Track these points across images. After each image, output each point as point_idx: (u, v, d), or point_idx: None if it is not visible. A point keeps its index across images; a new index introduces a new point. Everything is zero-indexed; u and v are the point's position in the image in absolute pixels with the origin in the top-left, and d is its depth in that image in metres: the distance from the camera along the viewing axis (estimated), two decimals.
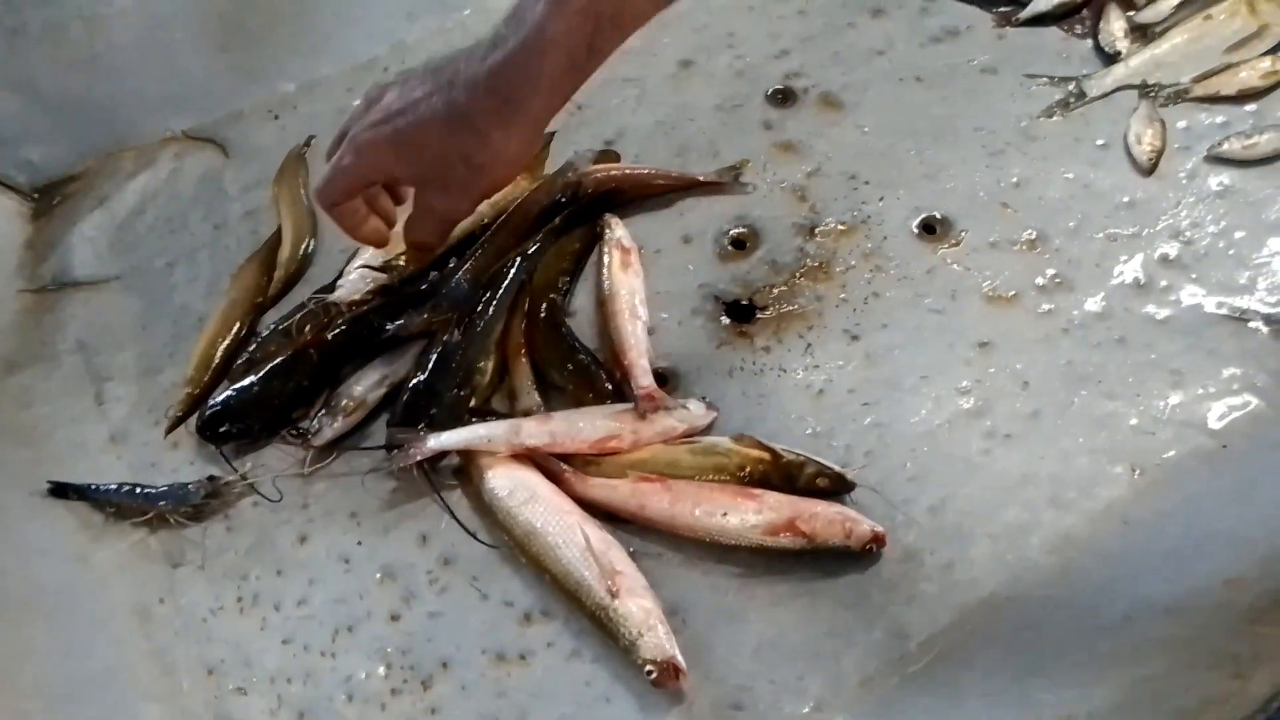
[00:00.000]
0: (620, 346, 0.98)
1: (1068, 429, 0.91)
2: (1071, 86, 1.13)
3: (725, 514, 0.87)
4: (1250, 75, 1.08)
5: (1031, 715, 0.73)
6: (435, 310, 1.03)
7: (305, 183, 1.20)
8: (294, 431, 0.99)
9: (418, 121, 0.85)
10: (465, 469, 0.95)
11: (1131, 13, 1.17)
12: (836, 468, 0.89)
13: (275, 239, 1.15)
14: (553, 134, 1.17)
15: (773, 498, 0.88)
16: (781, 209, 1.09)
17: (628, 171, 1.13)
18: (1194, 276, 0.98)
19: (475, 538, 0.91)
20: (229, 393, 0.99)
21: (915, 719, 0.79)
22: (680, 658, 0.80)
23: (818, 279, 1.04)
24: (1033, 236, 1.03)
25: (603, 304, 1.02)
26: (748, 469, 0.90)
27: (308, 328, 1.04)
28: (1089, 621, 0.79)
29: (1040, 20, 1.19)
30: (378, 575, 0.92)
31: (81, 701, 0.88)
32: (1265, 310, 0.95)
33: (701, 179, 1.12)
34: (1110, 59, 1.14)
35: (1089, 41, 1.17)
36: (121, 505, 0.97)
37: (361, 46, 1.31)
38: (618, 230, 1.07)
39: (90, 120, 1.27)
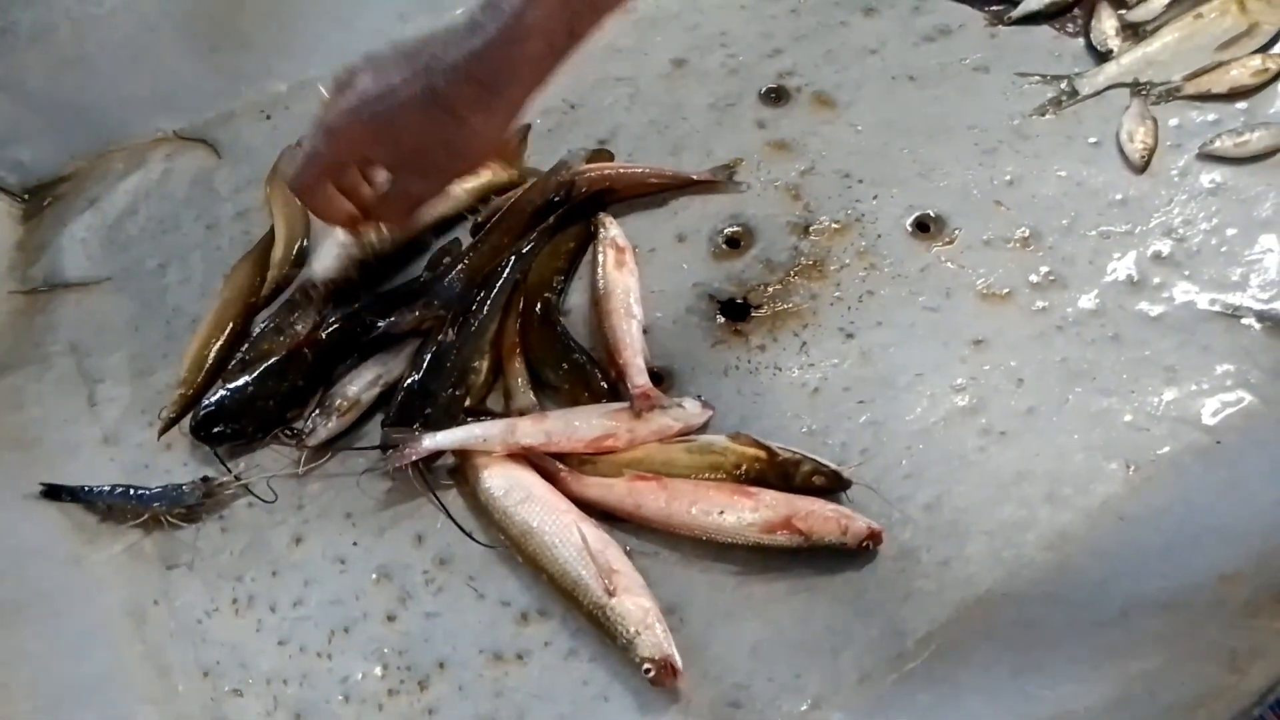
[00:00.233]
0: (615, 345, 0.98)
1: (1063, 426, 0.92)
2: (1064, 85, 1.14)
3: (722, 512, 0.87)
4: (1241, 73, 1.08)
5: (1029, 711, 0.74)
6: (428, 308, 1.02)
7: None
8: (288, 432, 0.99)
9: (396, 107, 0.85)
10: (461, 469, 0.95)
11: (1123, 11, 1.18)
12: (833, 465, 0.89)
13: (268, 239, 1.14)
14: (528, 126, 1.18)
15: (769, 496, 0.88)
16: (775, 207, 1.09)
17: (621, 170, 1.13)
18: (1187, 273, 0.99)
19: (471, 537, 0.91)
20: (223, 393, 0.99)
21: (913, 716, 0.79)
22: (678, 656, 0.80)
23: (812, 277, 1.04)
24: (1026, 234, 1.03)
25: (597, 303, 1.02)
26: (744, 467, 0.90)
27: (296, 315, 1.04)
28: (1085, 617, 0.79)
29: (1032, 19, 1.20)
30: (373, 576, 0.92)
31: (76, 704, 0.87)
32: (1258, 306, 0.95)
33: (695, 178, 1.12)
34: (1102, 57, 1.15)
35: (1081, 40, 1.18)
36: (115, 507, 0.97)
37: (353, 47, 1.25)
38: (612, 229, 1.07)
39: (80, 121, 1.26)
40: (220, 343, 1.05)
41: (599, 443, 0.93)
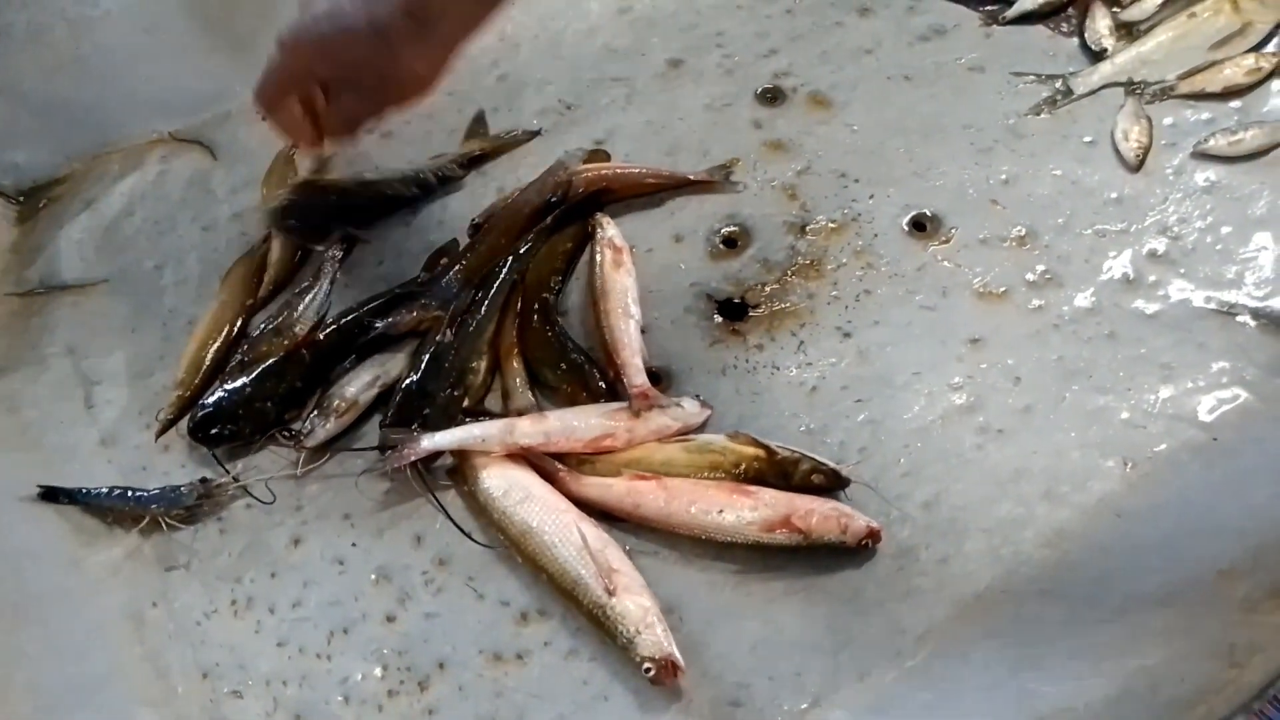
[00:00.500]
0: (613, 345, 0.98)
1: (1060, 424, 0.92)
2: (1058, 84, 1.14)
3: (721, 511, 0.87)
4: (1235, 72, 1.09)
5: (1029, 708, 0.74)
6: (425, 309, 1.02)
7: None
8: (286, 433, 0.99)
9: (339, 29, 0.91)
10: (460, 469, 0.95)
11: (1117, 10, 1.18)
12: (831, 464, 0.90)
13: (265, 240, 1.14)
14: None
15: (768, 494, 0.88)
16: (772, 207, 1.09)
17: (618, 170, 1.13)
18: (1182, 271, 0.99)
19: (470, 538, 0.91)
20: (220, 394, 0.99)
21: (913, 713, 0.79)
22: (678, 655, 0.80)
23: (809, 277, 1.04)
24: (1022, 233, 1.04)
25: (595, 303, 1.02)
26: (743, 466, 0.90)
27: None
28: (1084, 614, 0.80)
29: (1027, 18, 1.20)
30: (373, 576, 0.92)
31: (76, 706, 0.87)
32: (1253, 304, 0.96)
33: (692, 178, 1.12)
34: (1096, 56, 1.15)
35: (1075, 39, 1.18)
36: (113, 509, 0.97)
37: None
38: (609, 229, 1.07)
39: (76, 123, 1.26)
40: (218, 344, 1.05)
41: (598, 443, 0.93)
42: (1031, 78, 1.15)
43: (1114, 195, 1.05)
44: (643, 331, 1.00)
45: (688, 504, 0.88)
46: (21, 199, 1.26)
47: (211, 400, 0.99)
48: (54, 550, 0.96)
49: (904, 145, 1.12)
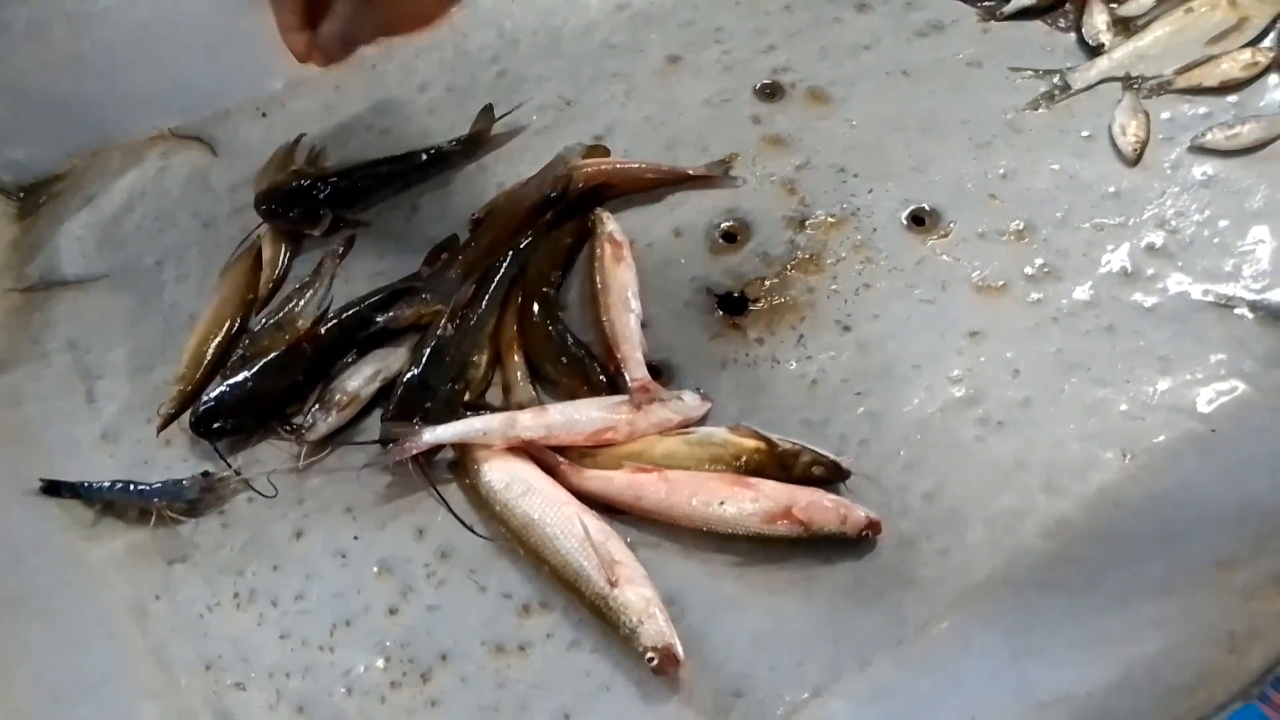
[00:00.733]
0: (614, 339, 0.98)
1: (1059, 415, 0.92)
2: (1056, 79, 1.14)
3: (722, 503, 0.87)
4: (1231, 67, 1.09)
5: (1030, 695, 0.74)
6: (426, 303, 1.03)
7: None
8: (288, 427, 0.99)
9: None
10: (461, 463, 0.95)
11: (1114, 6, 1.18)
12: (832, 456, 0.90)
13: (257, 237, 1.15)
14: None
15: (769, 486, 0.88)
16: (771, 202, 1.10)
17: (618, 166, 1.13)
18: (1180, 264, 1.00)
19: (472, 531, 0.92)
20: (222, 388, 0.99)
21: (914, 702, 0.79)
22: (680, 645, 0.81)
23: (809, 271, 1.05)
24: (1020, 227, 1.04)
25: (595, 298, 1.02)
26: (743, 459, 0.91)
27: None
28: (1084, 603, 0.80)
29: (1024, 14, 1.20)
30: (375, 569, 0.92)
31: (79, 699, 0.88)
32: (1250, 296, 0.96)
33: (691, 173, 1.12)
34: (1094, 52, 1.16)
35: (1072, 35, 1.19)
36: (115, 502, 0.97)
37: None
38: (609, 224, 1.07)
39: (76, 119, 1.26)
40: (219, 339, 1.06)
41: (599, 435, 0.94)
42: (1029, 73, 1.16)
43: (1112, 189, 1.06)
44: (643, 326, 1.00)
45: (689, 496, 0.88)
46: (22, 195, 1.26)
47: (213, 394, 0.99)
48: (56, 544, 0.97)
49: (902, 140, 1.13)
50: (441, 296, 1.03)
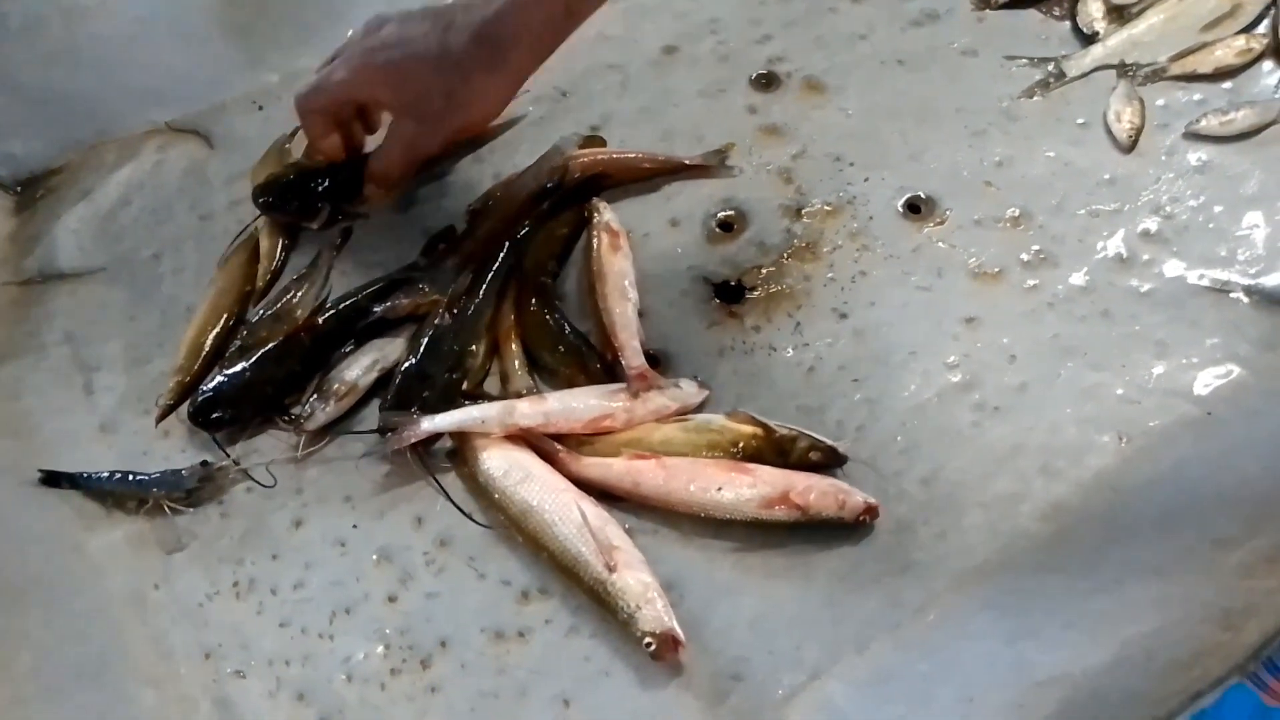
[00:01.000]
0: (611, 328, 0.98)
1: (1055, 400, 0.93)
2: (1051, 67, 1.15)
3: (720, 489, 0.88)
4: (1226, 53, 1.10)
5: (1027, 676, 0.75)
6: (423, 293, 1.03)
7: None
8: (286, 417, 0.99)
9: (411, 55, 0.94)
10: (459, 451, 0.95)
11: None
12: (829, 441, 0.90)
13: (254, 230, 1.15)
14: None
15: (766, 472, 0.88)
16: (768, 191, 1.10)
17: (614, 156, 1.13)
18: (1175, 250, 1.00)
19: (471, 519, 0.92)
20: (220, 379, 0.99)
21: (912, 684, 0.80)
22: (679, 630, 0.81)
23: (805, 259, 1.05)
24: (1016, 214, 1.04)
25: (593, 287, 1.02)
26: (741, 445, 0.91)
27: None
28: (1081, 585, 0.80)
29: (1018, 2, 1.20)
30: (374, 557, 0.92)
31: (79, 687, 0.87)
32: (1245, 281, 0.97)
33: (688, 162, 1.12)
34: (1088, 40, 1.16)
35: (1067, 23, 1.19)
36: (114, 492, 0.97)
37: (344, 37, 1.30)
38: (606, 214, 1.07)
39: (72, 113, 1.26)
40: (217, 330, 1.05)
41: (596, 423, 0.94)
42: (1024, 61, 1.16)
43: (1107, 176, 1.06)
44: (640, 314, 1.00)
45: (686, 482, 0.89)
46: (18, 189, 1.26)
47: (212, 385, 0.99)
48: (55, 534, 0.96)
49: (898, 129, 1.13)
50: (439, 287, 1.03)
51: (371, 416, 0.99)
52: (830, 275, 1.03)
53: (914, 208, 1.07)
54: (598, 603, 0.84)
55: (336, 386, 0.98)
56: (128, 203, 1.21)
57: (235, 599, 0.92)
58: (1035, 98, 1.13)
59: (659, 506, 0.90)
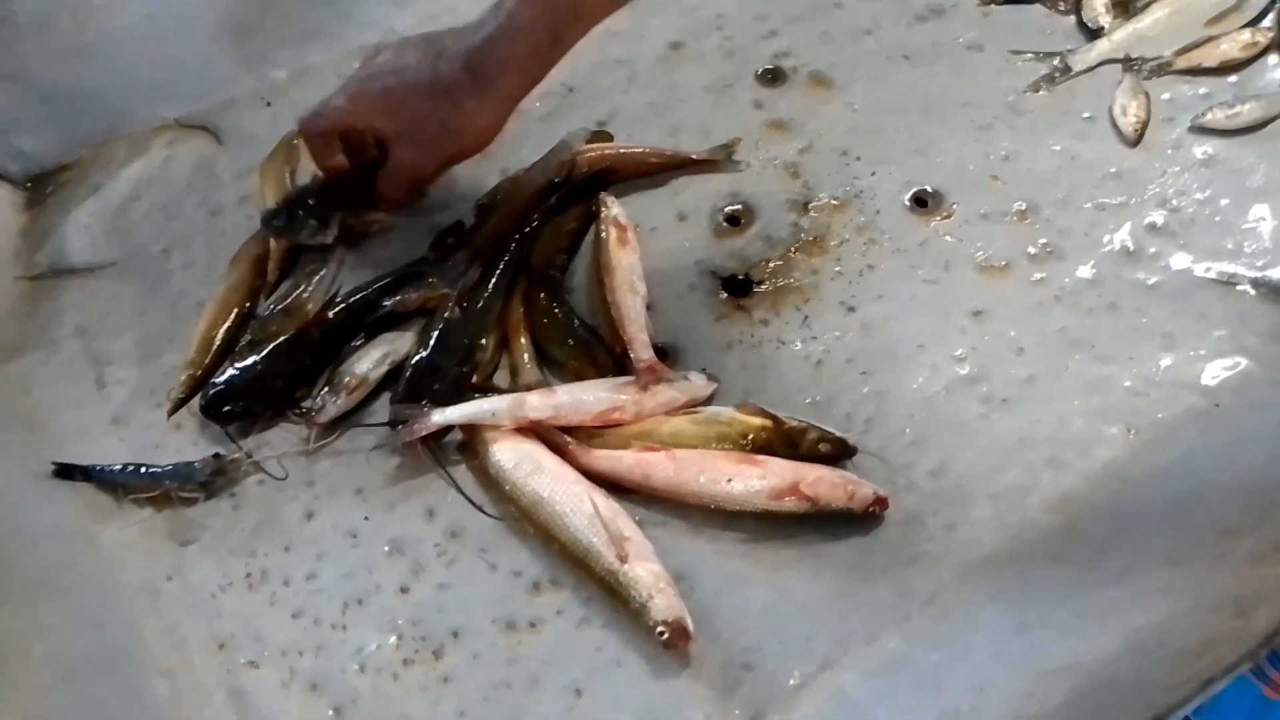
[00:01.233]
0: (620, 321, 0.99)
1: (1063, 392, 0.93)
2: (1056, 62, 1.15)
3: (730, 480, 0.88)
4: (1231, 47, 1.10)
5: (1037, 665, 0.75)
6: (433, 287, 1.03)
7: (293, 170, 1.20)
8: (297, 410, 1.00)
9: (404, 84, 0.96)
10: (469, 443, 0.96)
11: None
12: (838, 433, 0.91)
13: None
14: None
15: (776, 463, 0.89)
16: (775, 185, 1.10)
17: (621, 151, 1.14)
18: (1182, 243, 1.00)
19: (482, 510, 0.92)
20: (232, 372, 1.00)
21: (922, 674, 0.80)
22: (690, 619, 0.81)
23: (812, 253, 1.05)
24: (1023, 207, 1.05)
25: (601, 281, 1.03)
26: (750, 436, 0.91)
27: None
28: (1090, 575, 0.81)
29: None
30: (385, 549, 0.93)
31: (93, 677, 0.88)
32: (1252, 274, 0.97)
33: (695, 157, 1.13)
34: (1093, 34, 1.16)
35: (1072, 18, 1.19)
36: (127, 485, 0.97)
37: (352, 34, 1.31)
38: (614, 208, 1.08)
39: (82, 109, 1.27)
40: (227, 325, 1.06)
41: (606, 415, 0.94)
42: (1030, 56, 1.16)
43: (1113, 170, 1.06)
44: (648, 308, 1.01)
45: (696, 474, 0.89)
46: (29, 185, 1.26)
47: (223, 378, 1.00)
48: (69, 526, 0.97)
49: (904, 123, 1.13)
50: (448, 281, 1.04)
51: (382, 409, 1.00)
52: (838, 269, 1.04)
53: (921, 202, 1.08)
54: (609, 593, 0.85)
55: (347, 380, 0.99)
56: (138, 198, 1.22)
57: (248, 590, 0.92)
58: (1041, 92, 1.13)
59: (669, 498, 0.91)
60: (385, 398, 1.00)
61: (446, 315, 1.00)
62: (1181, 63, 1.12)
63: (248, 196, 1.19)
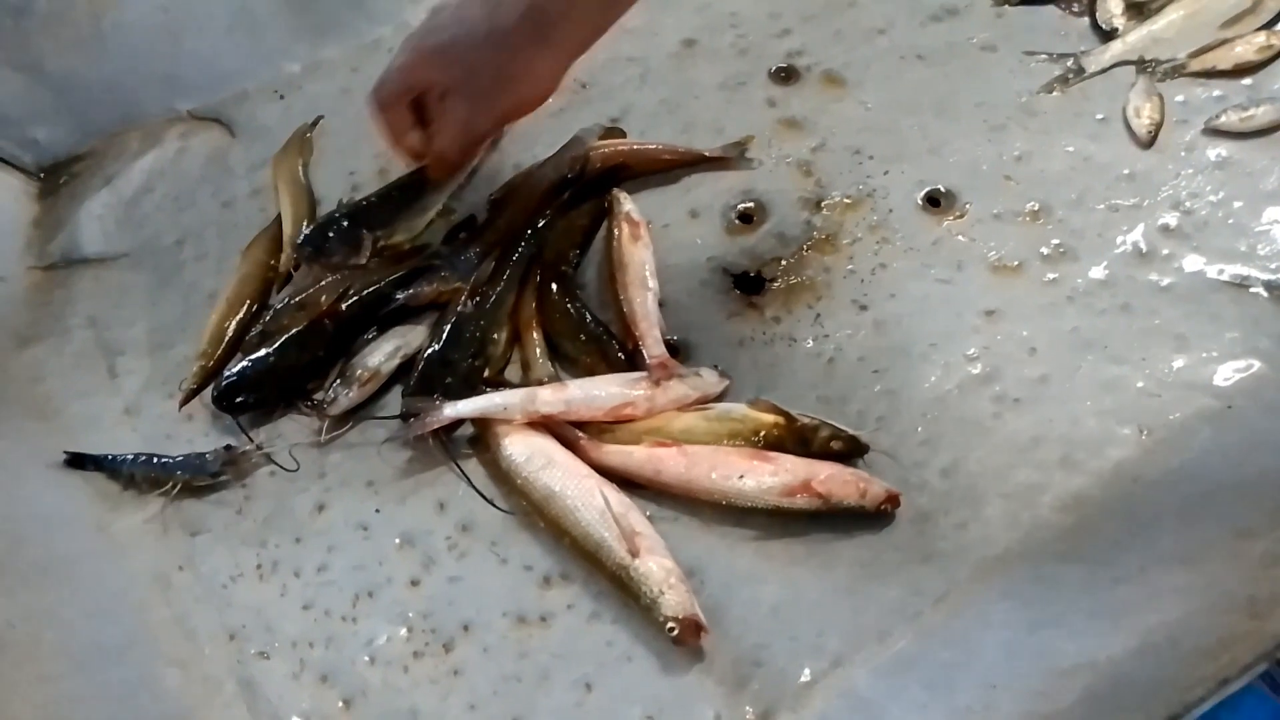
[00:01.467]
0: (632, 317, 0.99)
1: (1076, 392, 0.93)
2: (1070, 63, 1.15)
3: (742, 477, 0.88)
4: (1245, 50, 1.10)
5: (1050, 664, 0.75)
6: (445, 281, 1.04)
7: (306, 162, 1.20)
8: (309, 402, 1.00)
9: (461, 35, 0.92)
10: (481, 437, 0.96)
11: None
12: (851, 431, 0.91)
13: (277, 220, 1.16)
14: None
15: (788, 460, 0.89)
16: (787, 183, 1.10)
17: (635, 147, 1.14)
18: (1195, 245, 1.00)
19: (493, 504, 0.92)
20: (244, 364, 1.00)
21: (933, 672, 0.80)
22: (701, 615, 0.81)
23: (825, 251, 1.05)
24: (1036, 208, 1.05)
25: (613, 276, 1.03)
26: (762, 433, 0.91)
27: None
28: (1103, 575, 0.81)
29: None
30: (396, 541, 0.93)
31: (105, 665, 0.88)
32: (1265, 276, 0.97)
33: (708, 154, 1.13)
34: (1108, 36, 1.16)
35: (1086, 19, 1.19)
36: (138, 475, 0.98)
37: (365, 27, 1.31)
38: (626, 204, 1.08)
39: (96, 100, 1.27)
40: (239, 316, 1.06)
41: (618, 411, 0.94)
42: (1043, 56, 1.16)
43: (1126, 171, 1.06)
44: (660, 304, 1.01)
45: (708, 470, 0.89)
46: (43, 175, 1.27)
47: (236, 369, 1.00)
48: (81, 516, 0.97)
49: (917, 123, 1.13)
50: (461, 274, 1.04)
51: (394, 402, 1.00)
52: (850, 267, 1.04)
53: (934, 201, 1.08)
54: (620, 588, 0.85)
55: (359, 372, 0.99)
56: (150, 189, 1.22)
57: (259, 581, 0.92)
58: (1054, 93, 1.13)
59: (680, 494, 0.91)
60: (397, 391, 1.01)
61: (459, 309, 1.01)
62: (1196, 65, 1.11)
63: (260, 189, 1.20)
